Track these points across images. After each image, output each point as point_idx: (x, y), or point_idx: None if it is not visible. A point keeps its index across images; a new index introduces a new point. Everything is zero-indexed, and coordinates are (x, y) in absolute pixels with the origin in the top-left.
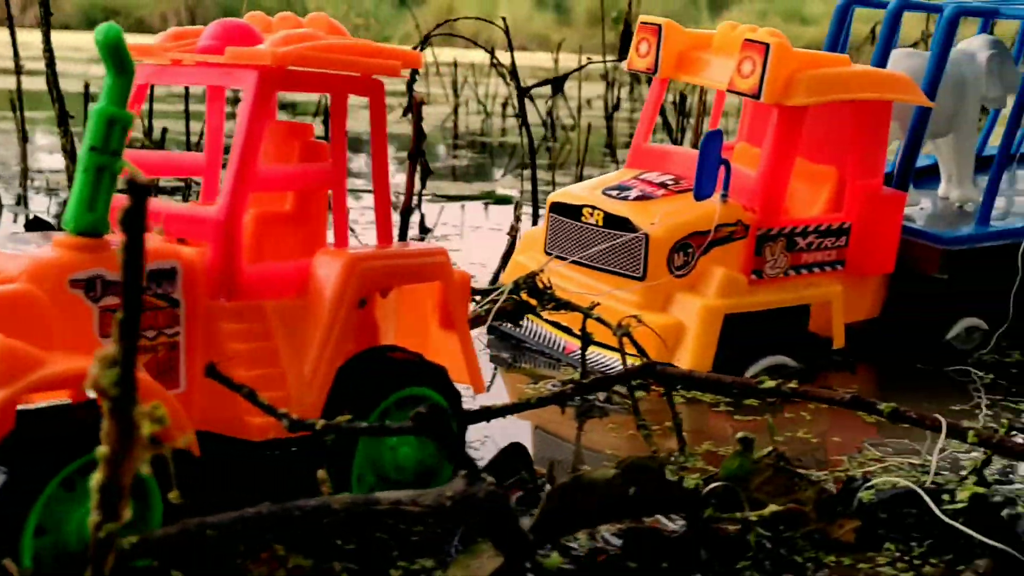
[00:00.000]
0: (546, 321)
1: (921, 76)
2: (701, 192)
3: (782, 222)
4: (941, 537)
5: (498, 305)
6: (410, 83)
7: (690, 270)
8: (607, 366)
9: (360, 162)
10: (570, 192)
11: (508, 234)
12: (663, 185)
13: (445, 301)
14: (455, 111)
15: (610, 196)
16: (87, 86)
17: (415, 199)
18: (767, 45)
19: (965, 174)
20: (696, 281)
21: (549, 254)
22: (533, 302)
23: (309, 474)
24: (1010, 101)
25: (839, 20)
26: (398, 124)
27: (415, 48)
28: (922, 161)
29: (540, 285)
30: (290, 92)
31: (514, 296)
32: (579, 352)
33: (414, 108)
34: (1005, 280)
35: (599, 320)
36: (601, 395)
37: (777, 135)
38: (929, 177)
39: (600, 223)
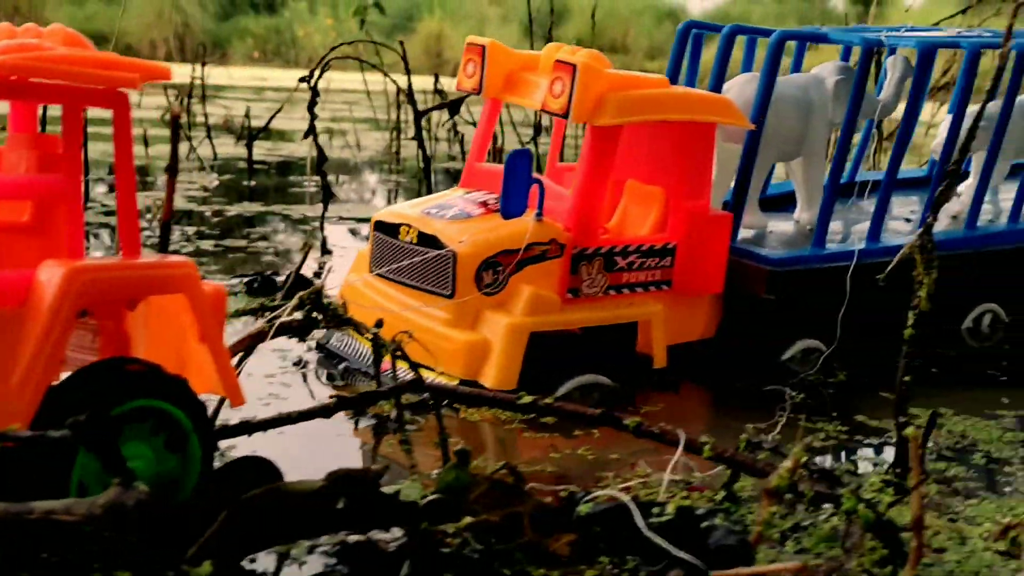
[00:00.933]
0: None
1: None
2: (508, 211)
3: (599, 241)
4: (649, 550)
5: (280, 321)
6: (310, 105)
7: (501, 288)
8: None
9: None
10: (392, 210)
11: (300, 251)
12: (484, 204)
13: (194, 314)
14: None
15: (428, 215)
16: None
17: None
18: (574, 66)
19: (814, 197)
20: (506, 299)
21: (374, 272)
22: (320, 318)
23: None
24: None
25: (679, 43)
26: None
27: (312, 72)
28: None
29: (326, 301)
30: (21, 101)
31: (323, 310)
32: (393, 370)
33: (171, 122)
34: (838, 302)
35: (406, 339)
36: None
37: (590, 155)
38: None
39: (415, 241)
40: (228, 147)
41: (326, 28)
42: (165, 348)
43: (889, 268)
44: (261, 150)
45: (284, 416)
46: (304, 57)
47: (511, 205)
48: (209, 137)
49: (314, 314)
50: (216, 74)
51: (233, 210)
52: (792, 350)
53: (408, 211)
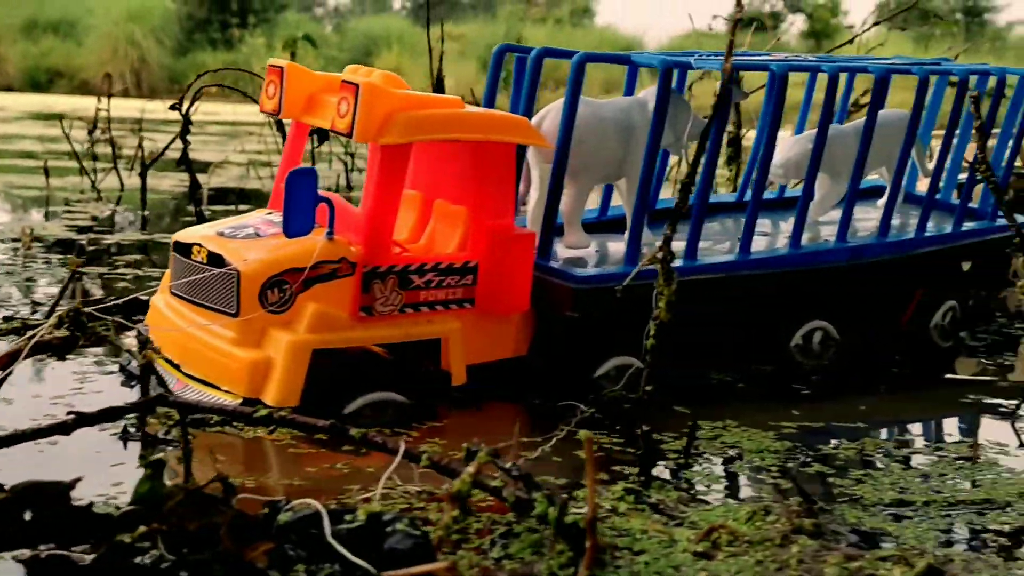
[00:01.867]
0: (164, 359)
1: (587, 123)
2: (290, 230)
3: (392, 260)
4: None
5: (36, 339)
6: (182, 133)
7: (288, 307)
8: (202, 402)
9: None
10: (188, 231)
11: (70, 268)
12: (279, 224)
13: None
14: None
15: (222, 235)
16: None
17: None
18: (358, 86)
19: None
20: (292, 317)
21: (172, 292)
22: (81, 336)
23: None
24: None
25: (494, 67)
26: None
27: (181, 100)
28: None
29: (86, 319)
30: None
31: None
32: (188, 389)
33: None
34: (647, 320)
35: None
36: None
37: (378, 174)
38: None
39: (204, 260)
40: (154, 179)
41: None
42: None
43: (626, 281)
44: (175, 181)
45: (18, 434)
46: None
47: (293, 225)
48: (116, 168)
49: (76, 332)
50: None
51: (112, 239)
52: (605, 367)
53: (204, 231)
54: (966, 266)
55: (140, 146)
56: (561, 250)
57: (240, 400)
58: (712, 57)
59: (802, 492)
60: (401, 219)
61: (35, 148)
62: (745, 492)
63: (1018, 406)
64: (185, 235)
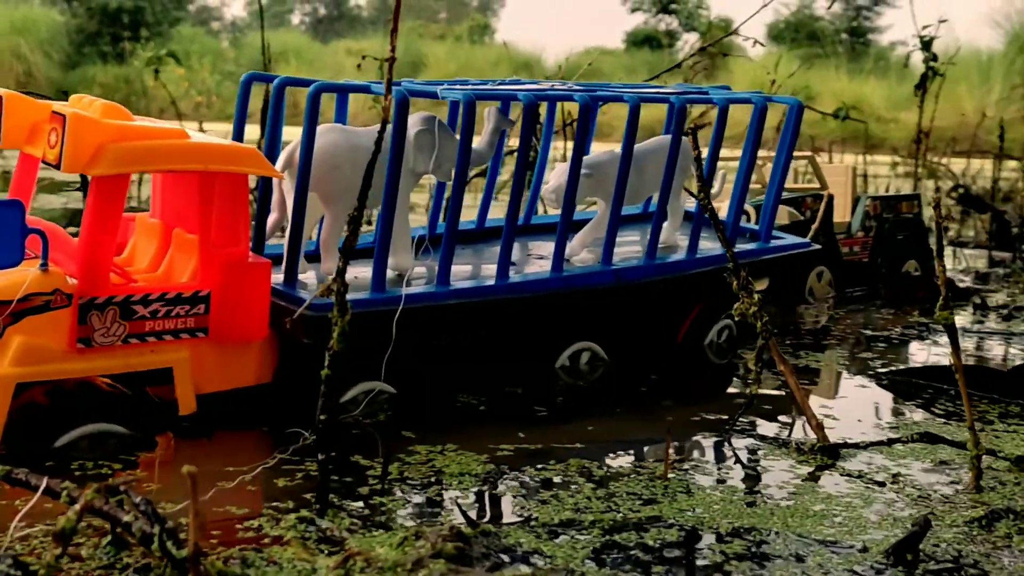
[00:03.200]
0: None
1: (343, 150)
2: None
3: (111, 291)
4: None
5: None
6: None
7: None
8: None
9: None
10: None
11: None
12: None
13: None
14: None
15: None
16: None
17: None
18: (65, 116)
19: (399, 243)
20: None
21: None
22: None
23: None
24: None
25: (242, 95)
26: None
27: None
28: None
29: None
30: None
31: None
32: None
33: None
34: (399, 345)
35: None
36: None
37: (92, 205)
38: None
39: None
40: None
41: (177, 78)
42: None
43: (300, 310)
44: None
45: None
46: (155, 107)
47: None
48: None
49: None
50: None
51: None
52: (352, 392)
53: None
54: (763, 284)
55: None
56: (310, 276)
57: None
58: (457, 87)
59: (465, 516)
60: (142, 248)
61: None
62: (425, 517)
63: (730, 426)
64: None
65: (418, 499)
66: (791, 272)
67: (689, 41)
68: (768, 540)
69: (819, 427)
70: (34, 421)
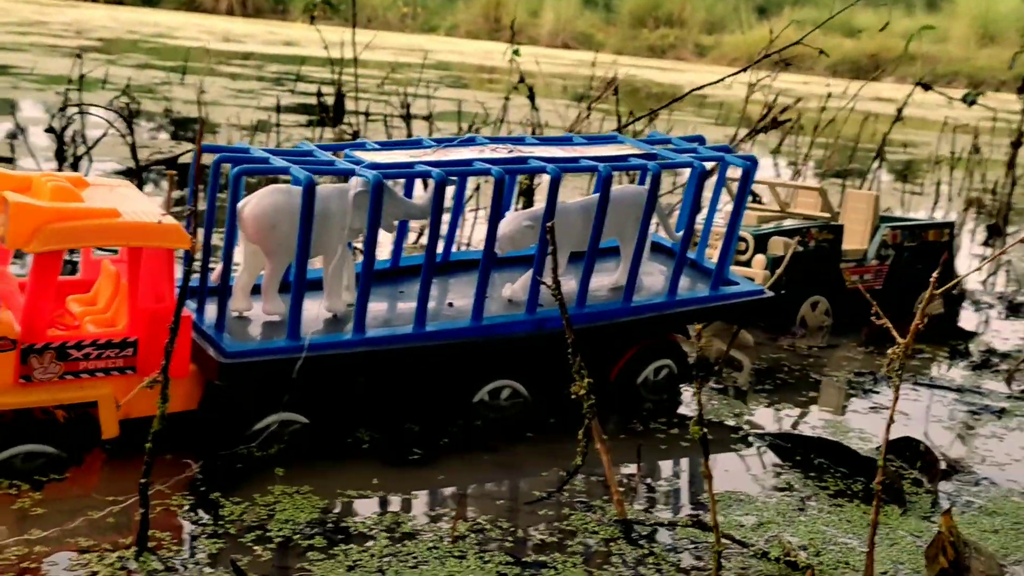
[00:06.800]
0: None
1: (283, 210)
2: None
3: (49, 339)
4: None
5: None
6: None
7: None
8: None
9: None
10: None
11: None
12: None
13: None
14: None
15: None
16: None
17: None
18: (6, 200)
19: (332, 289)
20: None
21: None
22: None
23: None
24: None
25: (214, 175)
26: None
27: None
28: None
29: None
30: None
31: None
32: None
33: None
34: (306, 384)
35: None
36: None
37: (32, 274)
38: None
39: None
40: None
41: None
42: None
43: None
44: None
45: None
46: (363, 16)
47: None
48: None
49: None
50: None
51: None
52: (264, 422)
53: None
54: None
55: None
56: (255, 314)
57: None
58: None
59: (236, 568)
60: (103, 289)
61: None
62: (219, 561)
63: (554, 491)
64: None
65: (219, 546)
66: (744, 319)
67: None
68: None
69: (619, 502)
70: None
